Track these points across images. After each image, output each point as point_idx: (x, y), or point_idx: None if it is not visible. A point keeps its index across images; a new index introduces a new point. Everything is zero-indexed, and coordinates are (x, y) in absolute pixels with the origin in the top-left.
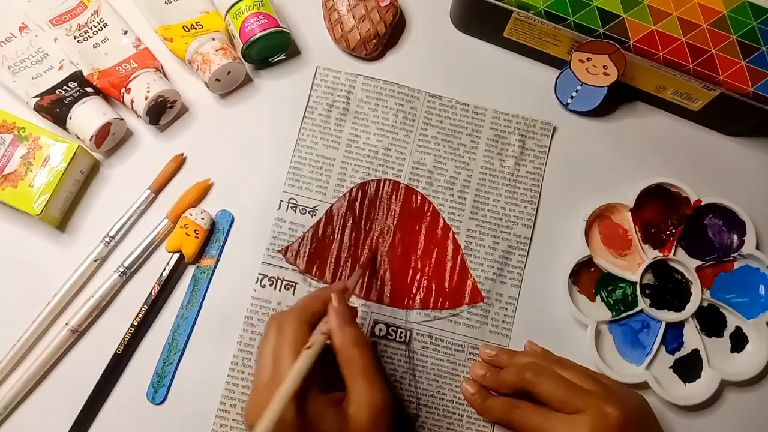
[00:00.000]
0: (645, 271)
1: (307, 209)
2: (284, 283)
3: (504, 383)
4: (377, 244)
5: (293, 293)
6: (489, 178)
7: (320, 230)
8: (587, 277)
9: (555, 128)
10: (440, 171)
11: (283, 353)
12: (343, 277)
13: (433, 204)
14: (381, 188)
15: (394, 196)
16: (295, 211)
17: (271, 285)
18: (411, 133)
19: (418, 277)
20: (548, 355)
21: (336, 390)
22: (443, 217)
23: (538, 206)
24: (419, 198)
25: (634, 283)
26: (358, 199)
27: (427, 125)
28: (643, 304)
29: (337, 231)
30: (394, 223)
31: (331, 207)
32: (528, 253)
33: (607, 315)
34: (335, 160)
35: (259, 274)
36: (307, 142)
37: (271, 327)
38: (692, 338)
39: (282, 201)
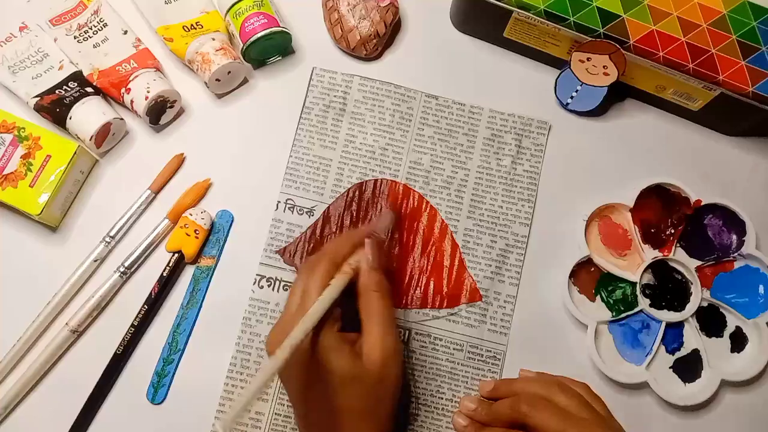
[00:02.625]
0: (645, 271)
1: (305, 210)
2: (282, 284)
3: (498, 416)
4: None
5: None
6: (486, 177)
7: (318, 231)
8: (587, 277)
9: (551, 126)
10: (437, 170)
11: (311, 288)
12: None
13: (431, 203)
14: (378, 188)
15: (391, 196)
16: (292, 212)
17: (269, 286)
18: (408, 133)
19: (416, 276)
20: (544, 377)
21: (353, 331)
22: (441, 217)
23: (535, 204)
24: (417, 197)
25: (633, 283)
26: (356, 199)
27: (423, 125)
28: (643, 304)
29: (334, 231)
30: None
31: (329, 207)
32: (526, 251)
33: (607, 315)
34: (332, 161)
35: (257, 275)
36: (304, 143)
37: (303, 267)
38: (692, 338)
39: (279, 202)
